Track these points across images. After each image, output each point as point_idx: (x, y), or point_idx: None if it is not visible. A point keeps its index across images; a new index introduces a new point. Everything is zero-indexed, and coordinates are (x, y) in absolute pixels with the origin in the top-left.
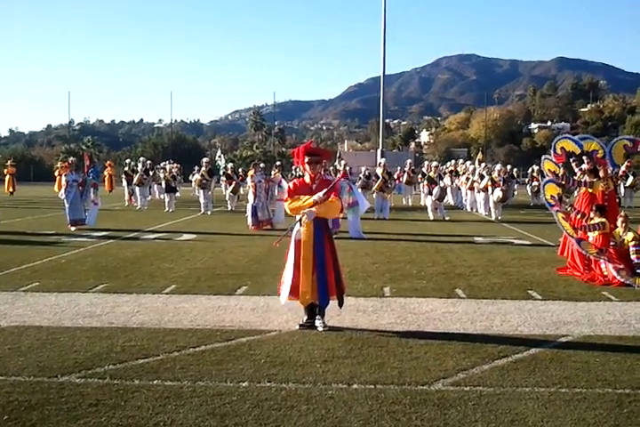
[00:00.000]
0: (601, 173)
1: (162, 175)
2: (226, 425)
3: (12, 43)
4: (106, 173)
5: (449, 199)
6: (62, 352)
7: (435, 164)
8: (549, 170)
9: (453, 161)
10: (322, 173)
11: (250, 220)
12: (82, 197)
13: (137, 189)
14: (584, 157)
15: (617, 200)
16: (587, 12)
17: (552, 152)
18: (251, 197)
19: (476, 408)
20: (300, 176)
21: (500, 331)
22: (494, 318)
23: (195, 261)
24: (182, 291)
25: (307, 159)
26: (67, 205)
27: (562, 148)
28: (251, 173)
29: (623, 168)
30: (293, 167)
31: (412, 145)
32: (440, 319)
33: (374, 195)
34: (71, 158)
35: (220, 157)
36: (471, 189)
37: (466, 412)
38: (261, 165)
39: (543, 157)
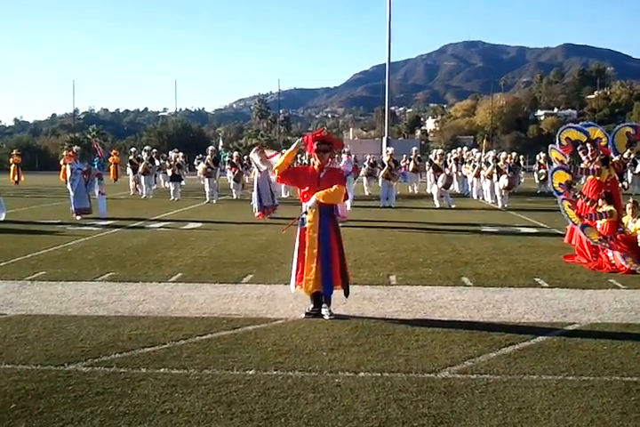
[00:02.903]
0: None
1: (167, 164)
2: (233, 413)
3: (15, 32)
4: (111, 161)
5: (455, 187)
6: (69, 341)
7: (440, 151)
8: (556, 158)
9: (459, 149)
10: (330, 162)
11: (255, 205)
12: (86, 187)
13: (142, 177)
14: (588, 145)
15: (619, 187)
16: None
17: (557, 144)
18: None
19: (483, 396)
20: (305, 164)
21: (507, 319)
22: (501, 305)
23: (200, 249)
24: (188, 279)
25: (315, 147)
26: (71, 194)
27: (567, 138)
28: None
29: (625, 155)
30: (299, 155)
31: (418, 133)
32: (446, 307)
33: (380, 183)
34: (75, 147)
35: (222, 147)
36: (477, 176)
37: (472, 400)
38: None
39: (550, 146)
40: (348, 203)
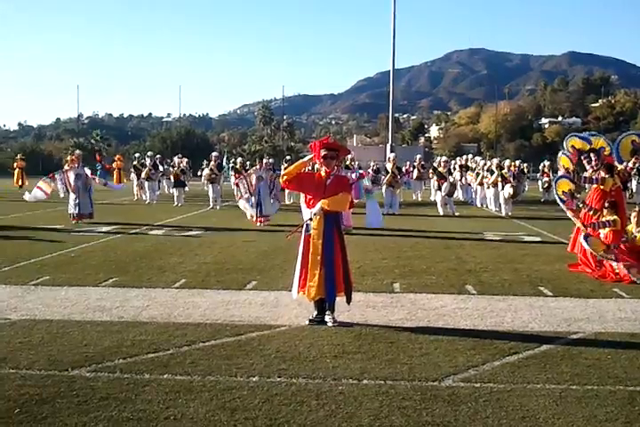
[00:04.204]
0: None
1: (171, 169)
2: (236, 420)
3: (20, 36)
4: (114, 166)
5: (458, 195)
6: (73, 346)
7: (444, 159)
8: (564, 165)
9: (464, 156)
10: (337, 169)
11: (253, 212)
12: (88, 191)
13: (146, 183)
14: (591, 155)
15: (623, 196)
16: (599, 6)
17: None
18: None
19: (487, 405)
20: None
21: (511, 327)
22: (505, 314)
23: (204, 255)
24: (192, 285)
25: (322, 154)
26: (71, 199)
27: (572, 146)
28: (256, 167)
29: (630, 164)
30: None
31: (422, 140)
32: (450, 315)
33: (383, 190)
34: (77, 151)
35: (227, 159)
36: (481, 184)
37: (476, 408)
38: (270, 160)
39: (560, 152)
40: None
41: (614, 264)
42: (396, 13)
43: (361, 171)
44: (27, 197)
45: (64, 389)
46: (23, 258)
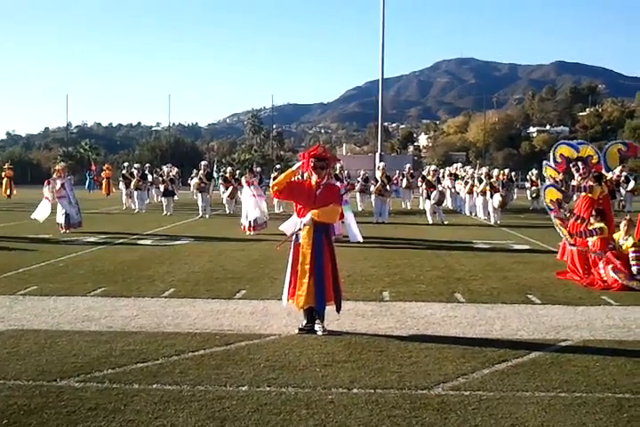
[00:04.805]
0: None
1: (160, 179)
2: None
3: (8, 45)
4: (103, 175)
5: (447, 203)
6: (61, 356)
7: (433, 167)
8: (550, 175)
9: (455, 165)
10: (327, 178)
11: (245, 222)
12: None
13: (135, 192)
14: (579, 163)
15: (611, 204)
16: (585, 16)
17: (552, 161)
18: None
19: (476, 413)
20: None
21: (500, 335)
22: (494, 322)
23: (193, 264)
24: (181, 295)
25: (312, 163)
26: (58, 209)
27: (561, 155)
28: (246, 175)
29: (617, 172)
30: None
31: (411, 149)
32: (439, 324)
33: (373, 198)
34: (61, 163)
35: (217, 168)
36: (470, 193)
37: (466, 416)
38: (258, 169)
39: (544, 163)
40: None
41: (602, 271)
42: (385, 23)
43: (340, 183)
44: (38, 216)
45: (52, 399)
46: (11, 268)
